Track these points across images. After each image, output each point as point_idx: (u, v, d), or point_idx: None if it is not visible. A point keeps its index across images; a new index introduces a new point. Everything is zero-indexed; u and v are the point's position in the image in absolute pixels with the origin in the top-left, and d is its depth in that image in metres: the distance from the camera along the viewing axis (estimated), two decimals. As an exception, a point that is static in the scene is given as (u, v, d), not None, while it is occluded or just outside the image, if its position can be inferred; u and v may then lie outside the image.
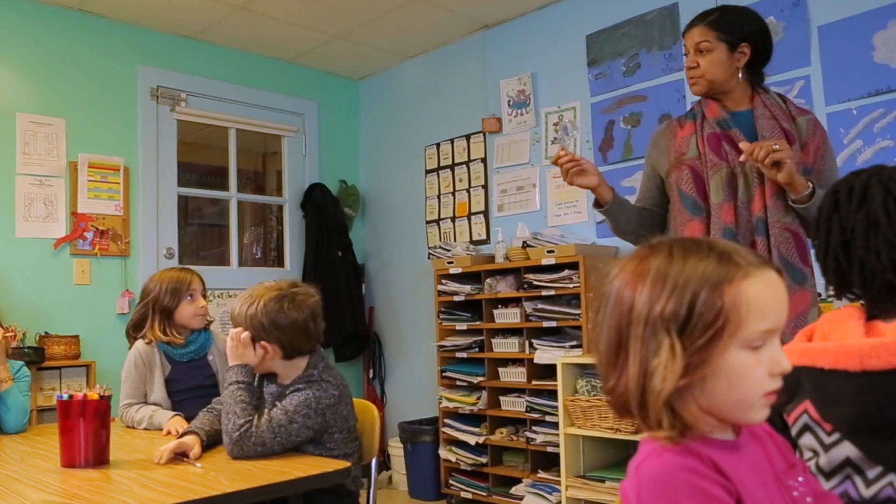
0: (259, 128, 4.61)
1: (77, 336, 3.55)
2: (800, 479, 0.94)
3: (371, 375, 4.78)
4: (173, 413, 2.29)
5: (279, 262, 4.78)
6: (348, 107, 5.09)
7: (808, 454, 1.17)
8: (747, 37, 2.03)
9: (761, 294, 0.83)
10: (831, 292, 1.27)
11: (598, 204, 2.14)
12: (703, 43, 2.03)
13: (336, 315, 4.49)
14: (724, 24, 2.04)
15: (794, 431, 1.20)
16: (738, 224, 1.97)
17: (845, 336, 1.14)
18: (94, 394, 1.76)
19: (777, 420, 1.24)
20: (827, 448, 1.14)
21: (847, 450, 1.11)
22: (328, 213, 4.62)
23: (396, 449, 4.33)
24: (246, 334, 1.92)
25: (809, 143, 2.00)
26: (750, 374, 0.82)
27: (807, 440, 1.17)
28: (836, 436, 1.13)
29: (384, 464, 4.55)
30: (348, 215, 4.81)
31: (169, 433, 2.15)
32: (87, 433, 1.74)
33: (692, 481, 0.80)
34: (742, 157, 1.90)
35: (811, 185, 1.88)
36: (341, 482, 1.84)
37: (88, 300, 3.76)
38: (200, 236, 5.74)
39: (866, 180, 1.20)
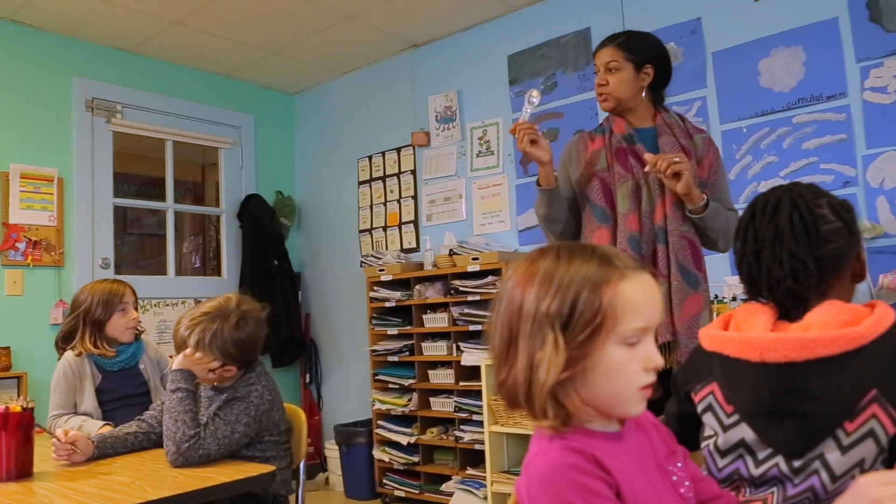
0: (196, 140, 4.53)
1: (8, 347, 3.42)
2: (679, 464, 0.99)
3: (307, 380, 4.74)
4: (103, 423, 2.24)
5: (217, 272, 4.70)
6: (284, 120, 5.05)
7: (708, 431, 1.22)
8: (651, 59, 2.11)
9: (637, 295, 0.87)
10: (745, 295, 1.31)
11: (538, 183, 2.14)
12: (612, 62, 2.09)
13: (272, 322, 4.35)
14: (632, 46, 2.11)
15: (699, 409, 1.24)
16: (642, 232, 2.02)
17: (754, 328, 1.18)
18: (16, 406, 1.71)
19: (685, 399, 1.29)
20: (726, 428, 1.18)
21: (743, 432, 1.16)
22: (264, 223, 4.57)
23: (332, 451, 4.30)
24: (215, 364, 1.90)
25: (704, 159, 2.09)
26: (625, 368, 0.86)
27: (709, 419, 1.22)
28: (735, 418, 1.17)
29: (321, 466, 4.51)
30: (284, 225, 4.76)
31: None
32: (9, 446, 1.68)
33: (575, 478, 0.83)
34: (647, 168, 1.96)
35: (706, 197, 1.97)
36: (266, 486, 1.83)
37: (21, 311, 3.62)
38: (139, 246, 5.58)
39: (779, 195, 1.25)
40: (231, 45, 4.17)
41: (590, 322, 0.84)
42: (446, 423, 3.77)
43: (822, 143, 2.89)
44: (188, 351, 1.90)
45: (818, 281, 1.19)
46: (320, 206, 4.87)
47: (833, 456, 1.07)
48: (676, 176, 1.92)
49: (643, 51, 2.11)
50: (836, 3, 2.88)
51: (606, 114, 2.21)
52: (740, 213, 1.35)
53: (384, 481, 3.96)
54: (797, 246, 1.19)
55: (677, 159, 1.92)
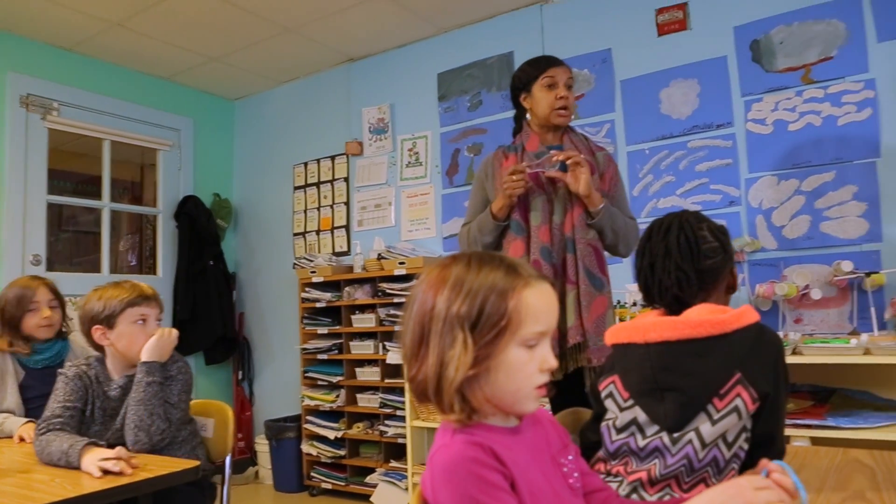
0: (134, 141, 4.41)
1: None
2: (570, 457, 1.05)
3: (240, 377, 4.68)
4: (25, 420, 2.17)
5: (153, 270, 4.60)
6: (223, 125, 4.98)
7: (609, 414, 1.34)
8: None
9: (538, 302, 0.92)
10: (643, 302, 1.46)
11: (496, 217, 2.14)
12: (571, 80, 2.17)
13: (206, 320, 4.38)
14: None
15: (602, 396, 1.37)
16: (553, 243, 2.08)
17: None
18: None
19: (594, 390, 1.41)
20: (622, 410, 1.31)
21: (636, 413, 1.29)
22: (201, 224, 4.50)
23: (263, 445, 4.27)
24: (176, 332, 1.88)
25: (605, 173, 2.19)
26: (524, 368, 0.91)
27: (609, 403, 1.35)
28: (630, 402, 1.30)
29: (251, 460, 4.47)
30: (221, 226, 4.70)
31: (22, 440, 2.05)
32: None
33: (475, 470, 0.86)
34: (554, 158, 2.03)
35: (604, 201, 2.07)
36: (191, 480, 1.80)
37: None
38: (74, 243, 5.39)
39: (671, 220, 1.41)
40: (172, 50, 4.09)
41: (496, 325, 0.88)
42: (372, 418, 3.80)
43: (712, 166, 3.07)
44: (165, 332, 1.87)
45: (699, 290, 1.35)
46: (257, 209, 4.82)
47: (705, 427, 1.20)
48: (575, 176, 2.00)
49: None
50: (726, 43, 3.07)
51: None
52: (642, 227, 1.49)
53: (312, 474, 3.96)
54: (682, 260, 1.35)
55: (576, 155, 2.01)
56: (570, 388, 2.00)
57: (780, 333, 2.68)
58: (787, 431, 2.27)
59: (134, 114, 4.38)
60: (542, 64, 2.18)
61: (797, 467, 1.42)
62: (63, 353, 2.41)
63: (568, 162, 2.01)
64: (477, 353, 0.88)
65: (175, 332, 1.92)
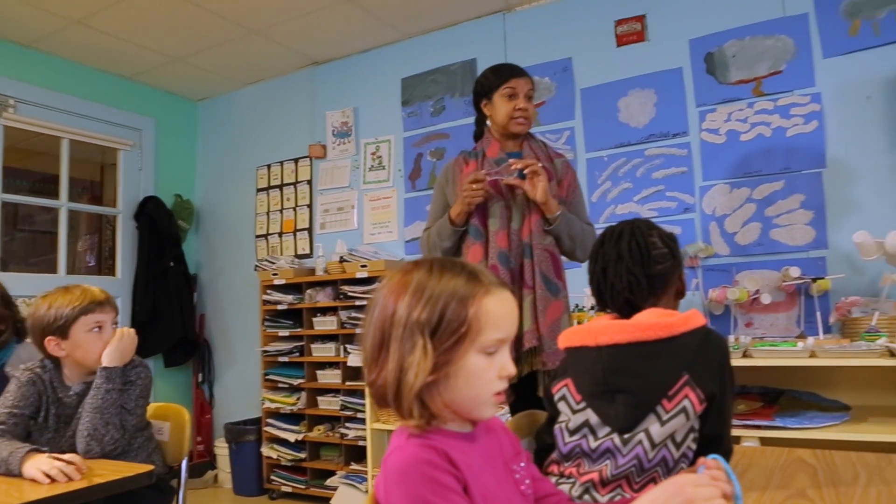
0: (94, 140, 4.29)
1: None
2: (522, 464, 1.05)
3: (200, 379, 4.59)
4: None
5: (112, 272, 4.48)
6: (186, 125, 4.88)
7: (563, 417, 1.35)
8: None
9: (498, 310, 0.92)
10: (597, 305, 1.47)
11: (454, 222, 2.15)
12: (531, 91, 2.19)
13: (166, 322, 4.29)
14: (533, 82, 2.24)
15: (556, 399, 1.38)
16: (511, 248, 2.10)
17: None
18: None
19: (547, 393, 1.42)
20: (574, 412, 1.32)
21: (588, 415, 1.30)
22: (162, 224, 4.41)
23: (222, 449, 4.19)
24: (134, 332, 1.82)
25: (563, 179, 2.21)
26: (483, 374, 0.91)
27: (563, 406, 1.36)
28: (583, 404, 1.32)
29: (210, 463, 4.38)
30: (182, 227, 4.61)
31: None
32: None
33: (427, 472, 0.86)
34: (513, 167, 2.05)
35: (561, 208, 2.09)
36: (145, 485, 1.76)
37: None
38: (31, 243, 5.22)
39: (623, 227, 1.43)
40: (135, 49, 4.00)
41: (455, 331, 0.88)
42: (332, 420, 3.76)
43: (668, 174, 3.12)
44: (123, 333, 1.81)
45: (649, 294, 1.37)
46: (219, 210, 4.74)
47: (654, 428, 1.22)
48: (533, 184, 2.02)
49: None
50: (681, 55, 3.13)
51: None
52: (598, 234, 1.50)
53: (272, 477, 3.90)
54: (633, 265, 1.37)
55: (534, 164, 2.03)
56: (524, 392, 2.01)
57: (731, 337, 2.74)
58: (738, 432, 2.32)
59: (94, 112, 4.27)
60: (504, 74, 2.20)
61: (745, 467, 1.45)
62: (5, 357, 2.28)
63: (526, 171, 2.03)
64: (436, 360, 0.88)
65: (133, 331, 1.86)
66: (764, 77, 2.95)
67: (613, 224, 1.46)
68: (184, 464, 2.04)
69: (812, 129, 2.84)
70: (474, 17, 3.70)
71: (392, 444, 0.93)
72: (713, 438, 1.25)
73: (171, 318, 4.31)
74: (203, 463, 4.36)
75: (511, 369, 0.93)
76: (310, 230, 4.24)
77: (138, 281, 4.32)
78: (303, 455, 3.78)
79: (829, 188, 2.79)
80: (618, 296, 1.38)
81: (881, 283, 2.50)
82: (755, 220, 2.92)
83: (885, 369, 2.25)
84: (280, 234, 4.37)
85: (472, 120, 2.39)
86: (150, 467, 1.64)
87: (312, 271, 3.90)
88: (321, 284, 3.83)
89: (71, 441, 1.77)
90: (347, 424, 3.60)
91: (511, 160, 2.07)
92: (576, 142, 3.35)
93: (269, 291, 3.98)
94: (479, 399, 0.92)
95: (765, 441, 2.28)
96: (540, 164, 2.05)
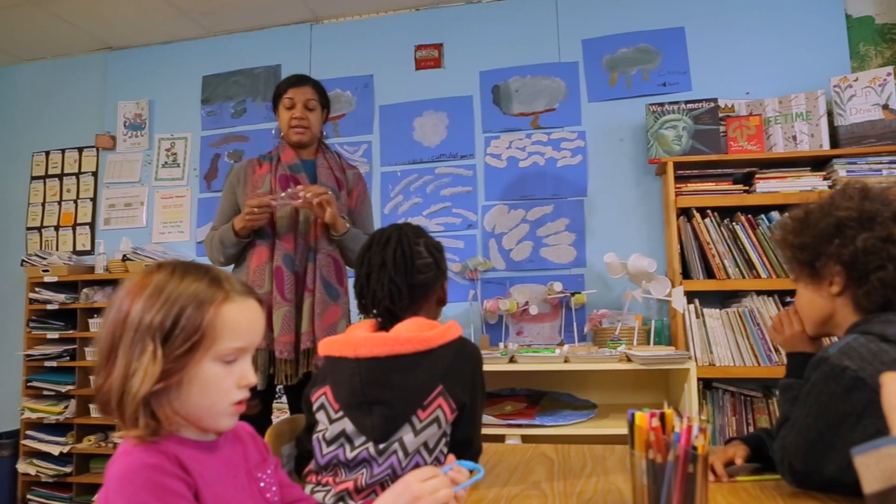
0: None
1: None
2: (269, 471, 0.99)
3: (-55, 387, 3.87)
4: None
5: None
6: (-53, 98, 4.12)
7: (321, 426, 1.28)
8: (328, 105, 2.27)
9: (238, 317, 0.86)
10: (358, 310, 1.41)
11: (238, 234, 2.07)
12: (312, 101, 2.17)
13: None
14: (322, 92, 2.24)
15: (314, 407, 1.30)
16: (297, 251, 2.07)
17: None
18: None
19: (306, 400, 1.34)
20: (332, 422, 1.26)
21: (345, 424, 1.24)
22: None
23: (-31, 464, 3.56)
24: None
25: (354, 190, 2.23)
26: (220, 383, 0.84)
27: (321, 416, 1.28)
28: (340, 413, 1.25)
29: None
30: (-68, 214, 3.87)
31: None
32: None
33: (151, 477, 0.78)
34: (301, 195, 1.99)
35: (348, 226, 2.09)
36: None
37: None
38: None
39: (391, 232, 1.38)
40: None
41: (189, 337, 0.82)
42: (106, 429, 3.37)
43: (455, 192, 3.23)
44: None
45: (410, 303, 1.35)
46: (-18, 197, 4.06)
47: (408, 437, 1.20)
48: (321, 206, 2.01)
49: (327, 98, 2.26)
50: (472, 84, 3.27)
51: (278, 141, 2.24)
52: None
53: (28, 497, 3.38)
54: (396, 274, 1.33)
55: (324, 193, 2.01)
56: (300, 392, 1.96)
57: (502, 344, 2.89)
58: (503, 431, 2.44)
59: None
60: (284, 84, 2.22)
61: (493, 465, 1.50)
62: None
63: (314, 201, 2.00)
64: (166, 366, 0.81)
65: None
66: (541, 112, 3.17)
67: (383, 227, 1.42)
68: None
69: (577, 162, 3.10)
70: (282, 23, 3.56)
71: (117, 451, 0.84)
72: (463, 442, 1.28)
73: None
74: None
75: (251, 378, 0.88)
76: (92, 225, 3.77)
77: None
78: (68, 469, 3.33)
79: (588, 214, 3.07)
80: (379, 303, 1.34)
81: (624, 298, 2.78)
82: (528, 239, 3.11)
83: (624, 372, 2.50)
84: (57, 228, 3.83)
85: (272, 125, 2.34)
86: None
87: (92, 269, 3.47)
88: (100, 283, 3.42)
89: None
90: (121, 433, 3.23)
91: (300, 187, 2.03)
92: (372, 155, 3.35)
93: (37, 289, 3.47)
94: (214, 408, 0.86)
95: (526, 438, 2.41)
96: (329, 194, 2.02)
